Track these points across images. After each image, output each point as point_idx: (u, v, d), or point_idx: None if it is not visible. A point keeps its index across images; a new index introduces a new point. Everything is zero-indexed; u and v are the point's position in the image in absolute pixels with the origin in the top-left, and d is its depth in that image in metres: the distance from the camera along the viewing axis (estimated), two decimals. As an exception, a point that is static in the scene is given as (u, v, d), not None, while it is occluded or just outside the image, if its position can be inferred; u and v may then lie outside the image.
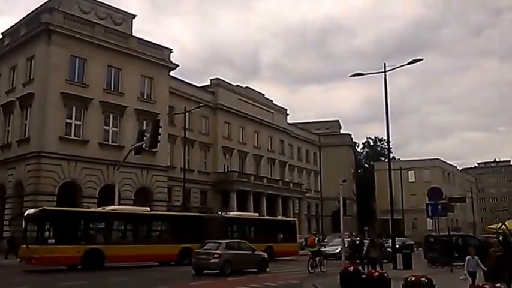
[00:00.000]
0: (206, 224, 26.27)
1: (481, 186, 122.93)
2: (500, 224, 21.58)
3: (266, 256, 22.38)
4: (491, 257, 12.85)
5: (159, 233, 24.80)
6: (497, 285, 9.38)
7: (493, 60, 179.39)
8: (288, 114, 60.70)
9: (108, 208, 23.11)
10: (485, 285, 9.46)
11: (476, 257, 12.65)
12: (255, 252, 21.61)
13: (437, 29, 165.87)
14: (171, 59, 37.35)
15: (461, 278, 12.04)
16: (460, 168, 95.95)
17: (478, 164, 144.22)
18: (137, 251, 21.97)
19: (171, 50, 37.37)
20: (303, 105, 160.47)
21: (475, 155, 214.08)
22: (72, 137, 30.45)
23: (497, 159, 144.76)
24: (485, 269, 12.39)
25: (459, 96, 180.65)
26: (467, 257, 12.72)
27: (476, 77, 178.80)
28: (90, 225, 21.81)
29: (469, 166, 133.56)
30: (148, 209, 25.56)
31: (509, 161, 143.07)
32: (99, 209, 24.07)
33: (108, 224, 22.35)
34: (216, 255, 19.23)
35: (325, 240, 41.31)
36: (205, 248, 20.23)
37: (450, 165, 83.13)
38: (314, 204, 64.72)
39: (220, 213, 31.57)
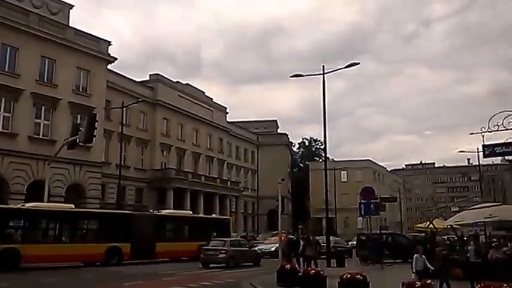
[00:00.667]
0: (136, 222, 25.59)
1: (408, 186, 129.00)
2: (428, 222, 22.85)
3: (259, 252, 26.51)
4: (437, 256, 13.03)
5: (84, 231, 23.82)
6: (427, 281, 9.83)
7: (422, 67, 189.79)
8: (227, 113, 60.85)
9: (28, 205, 21.93)
10: (416, 282, 9.91)
11: (423, 256, 12.62)
12: (252, 249, 26.05)
13: (372, 35, 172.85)
14: (109, 52, 36.25)
15: (412, 278, 11.72)
16: (389, 169, 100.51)
17: (405, 165, 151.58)
18: (59, 251, 21.04)
19: (109, 43, 36.25)
20: (243, 104, 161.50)
21: (403, 157, 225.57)
22: (0, 129, 28.77)
23: (423, 162, 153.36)
24: (432, 268, 12.50)
25: (390, 101, 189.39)
26: (415, 256, 12.63)
27: (407, 83, 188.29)
28: (6, 223, 20.50)
29: (398, 167, 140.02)
30: (73, 206, 24.35)
31: (434, 164, 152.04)
32: (19, 205, 22.76)
33: (27, 222, 21.16)
34: (222, 251, 22.96)
35: (257, 238, 41.36)
36: (212, 245, 23.88)
37: (380, 166, 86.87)
38: (251, 202, 65.26)
39: (152, 211, 30.98)
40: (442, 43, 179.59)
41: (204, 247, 24.03)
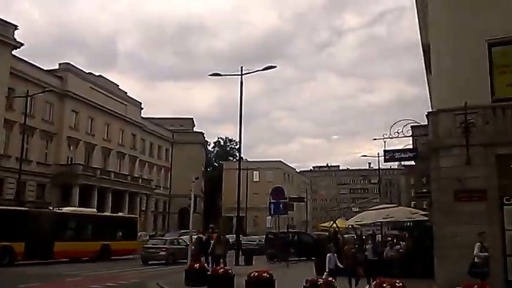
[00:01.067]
0: (32, 220, 24.13)
1: (315, 187, 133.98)
2: (332, 222, 24.05)
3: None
4: (346, 255, 13.57)
5: None
6: (329, 278, 10.38)
7: (333, 75, 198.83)
8: (142, 108, 59.27)
9: None
10: (319, 279, 10.42)
11: (335, 255, 13.00)
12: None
13: (289, 41, 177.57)
14: (15, 36, 33.79)
15: (324, 276, 11.72)
16: (298, 171, 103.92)
17: (313, 167, 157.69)
18: None
19: (15, 27, 33.87)
20: (160, 100, 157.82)
21: (311, 159, 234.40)
22: None
23: (329, 164, 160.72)
24: (341, 266, 12.95)
25: (303, 105, 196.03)
26: (329, 255, 12.92)
27: (319, 88, 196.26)
28: None
29: (306, 169, 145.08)
30: None
31: (338, 166, 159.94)
32: None
33: None
34: (163, 249, 24.98)
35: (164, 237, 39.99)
36: (152, 243, 26.85)
37: (290, 167, 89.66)
38: (162, 201, 64.19)
39: (52, 208, 29.39)
40: (352, 53, 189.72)
41: (145, 245, 26.41)
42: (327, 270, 12.67)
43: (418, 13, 18.94)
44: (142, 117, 59.40)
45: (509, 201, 12.81)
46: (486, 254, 11.27)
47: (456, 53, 13.91)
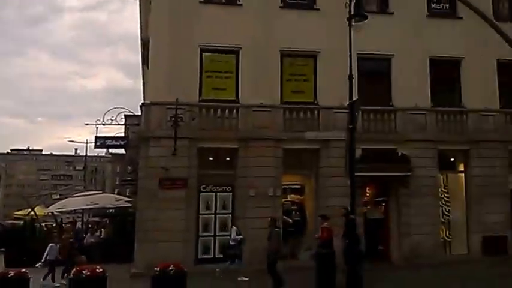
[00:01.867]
0: None
1: (11, 172, 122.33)
2: (30, 209, 22.42)
3: None
4: (65, 245, 12.91)
5: None
6: (22, 270, 9.63)
7: (45, 53, 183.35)
8: None
9: None
10: (9, 271, 9.56)
11: (58, 245, 12.49)
12: None
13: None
14: None
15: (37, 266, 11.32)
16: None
17: (11, 150, 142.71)
18: None
19: None
20: None
21: (10, 141, 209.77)
22: None
23: (31, 148, 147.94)
24: (60, 257, 12.46)
25: (6, 81, 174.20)
26: (50, 245, 12.40)
27: (27, 65, 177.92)
28: None
29: (2, 152, 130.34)
30: None
31: (41, 150, 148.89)
32: None
33: None
34: None
35: None
36: None
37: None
38: None
39: None
40: (68, 33, 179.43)
41: None
42: (43, 260, 12.28)
43: (140, 8, 19.42)
44: None
45: (205, 189, 14.70)
46: (241, 237, 12.82)
47: (173, 52, 14.96)
